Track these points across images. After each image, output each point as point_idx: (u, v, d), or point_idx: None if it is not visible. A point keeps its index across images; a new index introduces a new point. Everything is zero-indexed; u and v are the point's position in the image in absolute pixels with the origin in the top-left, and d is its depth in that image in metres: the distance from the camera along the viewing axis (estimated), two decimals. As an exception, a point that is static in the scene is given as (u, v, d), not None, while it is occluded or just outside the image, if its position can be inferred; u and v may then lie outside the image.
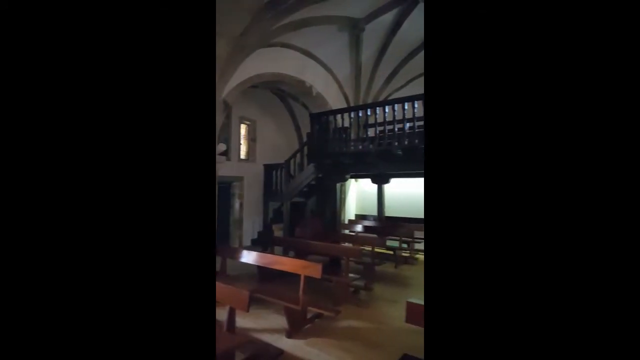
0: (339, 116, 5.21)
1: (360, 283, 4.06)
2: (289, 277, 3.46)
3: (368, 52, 6.64)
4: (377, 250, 5.09)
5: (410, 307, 1.95)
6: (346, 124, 5.31)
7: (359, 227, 6.50)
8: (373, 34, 6.21)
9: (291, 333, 2.84)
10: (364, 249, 4.36)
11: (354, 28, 5.98)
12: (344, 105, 6.82)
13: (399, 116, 4.61)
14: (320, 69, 6.54)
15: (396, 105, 4.65)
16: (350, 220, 7.46)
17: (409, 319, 1.95)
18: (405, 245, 5.98)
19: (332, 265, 4.52)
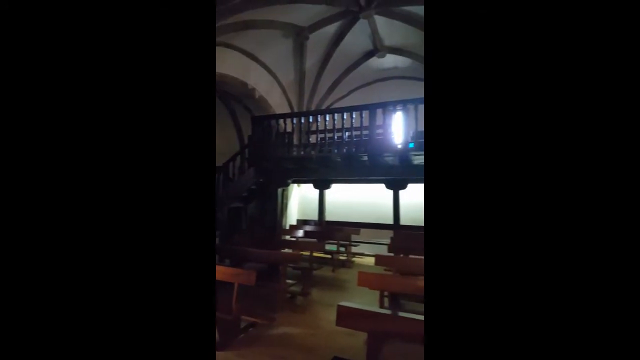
0: (281, 121, 5.20)
1: (297, 288, 4.07)
2: (223, 287, 3.32)
3: (312, 60, 6.78)
4: (315, 254, 5.16)
5: (341, 310, 2.01)
6: (289, 129, 5.33)
7: (300, 233, 6.54)
8: (317, 43, 6.37)
9: (222, 345, 2.72)
10: (302, 254, 4.39)
11: (299, 35, 6.06)
12: (288, 110, 6.83)
13: (339, 125, 4.78)
14: (264, 73, 6.47)
15: (336, 114, 4.81)
16: (291, 226, 7.47)
17: (339, 322, 2.00)
18: (342, 249, 6.17)
19: (270, 272, 4.46)
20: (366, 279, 2.90)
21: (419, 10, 5.42)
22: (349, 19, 5.90)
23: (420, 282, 2.81)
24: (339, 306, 2.07)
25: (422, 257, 4.18)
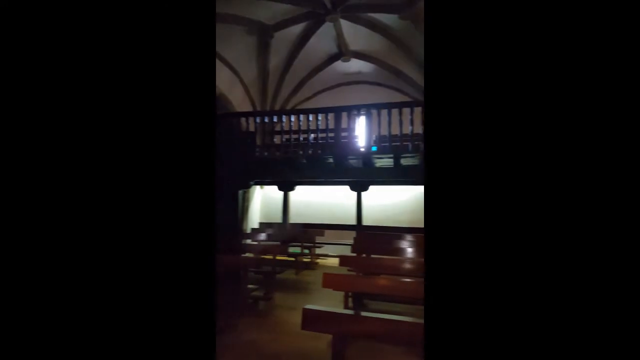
0: (244, 120, 5.04)
1: (260, 293, 3.94)
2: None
3: (276, 59, 6.68)
4: (278, 258, 5.06)
5: (307, 313, 1.96)
6: (252, 129, 5.18)
7: (262, 236, 6.38)
8: (282, 42, 6.30)
9: (178, 357, 2.52)
10: (265, 258, 4.27)
11: (263, 33, 5.94)
12: (250, 109, 6.66)
13: (304, 126, 4.74)
14: (226, 70, 6.25)
15: (301, 116, 4.78)
16: (253, 229, 7.27)
17: (305, 326, 1.95)
18: (306, 251, 6.13)
19: (231, 278, 4.27)
20: (331, 281, 2.88)
21: (383, 17, 5.59)
22: (315, 20, 5.92)
23: (383, 280, 2.86)
24: (305, 309, 2.02)
25: (385, 257, 4.28)
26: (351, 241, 5.15)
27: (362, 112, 4.62)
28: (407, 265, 3.71)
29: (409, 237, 5.24)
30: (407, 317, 1.96)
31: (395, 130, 4.45)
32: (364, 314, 2.12)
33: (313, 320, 1.97)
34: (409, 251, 4.50)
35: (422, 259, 4.26)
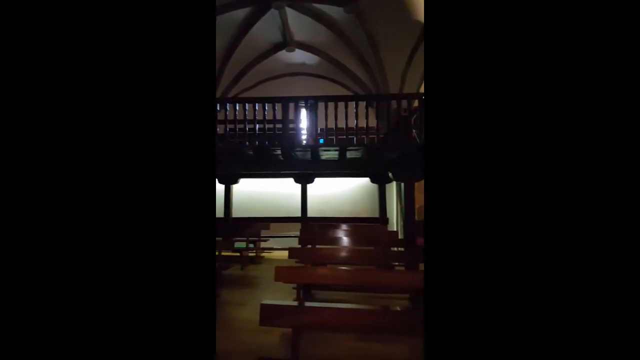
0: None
1: (206, 291, 3.74)
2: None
3: (217, 45, 6.27)
4: (223, 253, 4.86)
5: (264, 308, 1.93)
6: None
7: (203, 231, 6.02)
8: (223, 27, 5.92)
9: None
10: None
11: (203, 14, 5.50)
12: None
13: (250, 116, 4.57)
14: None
15: (247, 105, 4.59)
16: (192, 224, 6.81)
17: (263, 322, 1.92)
18: (252, 245, 6.00)
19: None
20: (284, 274, 2.87)
21: (328, 9, 5.63)
22: (260, 7, 5.69)
23: (334, 271, 2.96)
24: (263, 305, 1.98)
25: (332, 247, 4.42)
26: (297, 233, 5.20)
27: (309, 104, 4.63)
28: (355, 254, 3.89)
29: (353, 226, 5.48)
30: (359, 305, 2.07)
31: (341, 124, 4.57)
32: (321, 305, 2.17)
33: (271, 315, 1.95)
34: (354, 240, 4.72)
35: (370, 247, 4.51)
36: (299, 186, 6.09)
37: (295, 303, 2.23)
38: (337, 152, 4.53)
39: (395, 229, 6.28)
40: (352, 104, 4.46)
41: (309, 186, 6.08)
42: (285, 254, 3.78)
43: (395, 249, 4.52)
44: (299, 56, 7.38)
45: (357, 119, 4.43)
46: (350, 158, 4.56)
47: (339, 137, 4.46)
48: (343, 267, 3.41)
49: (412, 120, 4.64)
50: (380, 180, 6.32)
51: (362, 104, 4.43)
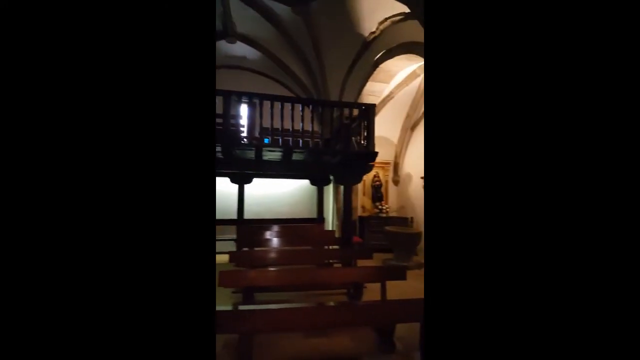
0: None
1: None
2: None
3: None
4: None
5: (217, 315, 1.82)
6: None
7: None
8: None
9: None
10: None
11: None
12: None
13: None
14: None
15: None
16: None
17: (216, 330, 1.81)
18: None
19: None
20: (227, 278, 2.75)
21: (276, 6, 5.56)
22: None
23: (277, 272, 2.94)
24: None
25: (270, 248, 4.36)
26: (233, 235, 4.97)
27: (254, 101, 4.51)
28: (296, 254, 3.91)
29: (292, 228, 5.49)
30: (304, 303, 2.10)
31: (286, 125, 4.56)
32: (270, 307, 2.14)
33: (220, 323, 1.85)
34: (294, 240, 4.74)
35: (309, 247, 4.57)
36: (235, 187, 5.84)
37: (248, 307, 2.15)
38: (281, 153, 4.51)
39: (331, 229, 6.51)
40: (298, 106, 4.49)
41: (246, 187, 5.88)
42: (224, 257, 3.60)
43: (331, 247, 4.70)
44: (240, 49, 7.09)
45: (302, 122, 4.47)
46: (294, 160, 4.58)
47: (285, 138, 4.43)
48: (286, 268, 3.42)
49: (353, 128, 4.89)
50: (319, 183, 6.48)
51: (308, 108, 4.49)
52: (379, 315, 2.05)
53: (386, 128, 7.69)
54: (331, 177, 4.86)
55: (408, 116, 7.70)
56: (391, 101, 7.09)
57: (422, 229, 6.65)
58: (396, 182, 8.32)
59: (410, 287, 3.74)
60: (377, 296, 3.65)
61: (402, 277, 2.96)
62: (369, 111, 4.70)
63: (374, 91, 6.48)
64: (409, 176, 8.03)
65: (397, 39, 4.67)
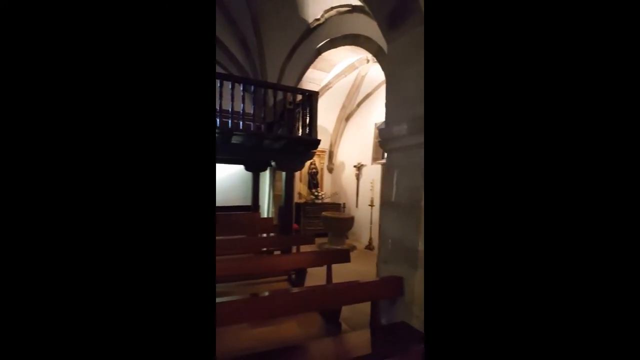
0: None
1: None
2: None
3: None
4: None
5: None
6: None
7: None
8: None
9: None
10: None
11: None
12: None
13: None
14: None
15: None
16: None
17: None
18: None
19: None
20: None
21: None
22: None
23: (230, 262, 2.81)
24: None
25: (224, 238, 4.10)
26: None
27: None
28: (236, 243, 3.77)
29: (228, 215, 5.24)
30: (244, 295, 2.07)
31: (225, 106, 4.28)
32: (224, 299, 2.05)
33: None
34: (231, 229, 4.55)
35: (247, 235, 4.43)
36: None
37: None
38: (219, 136, 4.23)
39: (267, 216, 6.42)
40: (238, 87, 4.24)
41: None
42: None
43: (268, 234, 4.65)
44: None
45: (243, 103, 4.25)
46: (233, 143, 4.35)
47: (223, 119, 4.16)
48: (223, 258, 3.28)
49: (296, 113, 4.86)
50: (255, 169, 6.29)
51: (249, 89, 4.27)
52: (328, 299, 2.12)
53: (322, 117, 7.83)
54: (272, 163, 4.76)
55: (344, 107, 7.97)
56: (329, 91, 7.23)
57: (353, 213, 7.07)
58: (330, 169, 8.62)
59: (351, 269, 3.97)
60: (319, 280, 3.78)
61: (347, 259, 3.12)
62: (313, 98, 4.71)
63: (313, 79, 6.50)
64: (343, 164, 8.39)
65: (342, 30, 4.73)
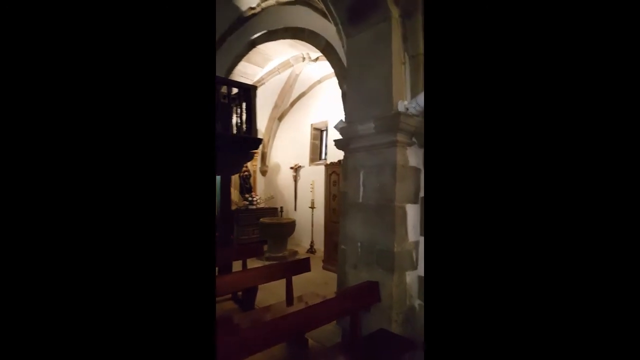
0: None
1: None
2: None
3: None
4: None
5: None
6: None
7: None
8: None
9: None
10: None
11: None
12: None
13: None
14: None
15: None
16: None
17: None
18: None
19: None
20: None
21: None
22: None
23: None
24: None
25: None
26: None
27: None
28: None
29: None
30: None
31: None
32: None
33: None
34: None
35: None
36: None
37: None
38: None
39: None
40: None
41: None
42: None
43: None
44: None
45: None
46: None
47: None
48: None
49: (231, 108, 4.34)
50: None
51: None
52: (299, 325, 1.78)
53: (255, 116, 7.34)
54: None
55: (276, 106, 7.61)
56: (261, 87, 6.78)
57: (293, 217, 6.75)
58: (264, 172, 8.13)
59: (302, 277, 3.65)
60: (272, 296, 3.38)
61: (307, 268, 2.83)
62: (251, 92, 4.28)
63: (246, 73, 6.00)
64: (278, 166, 8.00)
65: (282, 22, 4.40)
